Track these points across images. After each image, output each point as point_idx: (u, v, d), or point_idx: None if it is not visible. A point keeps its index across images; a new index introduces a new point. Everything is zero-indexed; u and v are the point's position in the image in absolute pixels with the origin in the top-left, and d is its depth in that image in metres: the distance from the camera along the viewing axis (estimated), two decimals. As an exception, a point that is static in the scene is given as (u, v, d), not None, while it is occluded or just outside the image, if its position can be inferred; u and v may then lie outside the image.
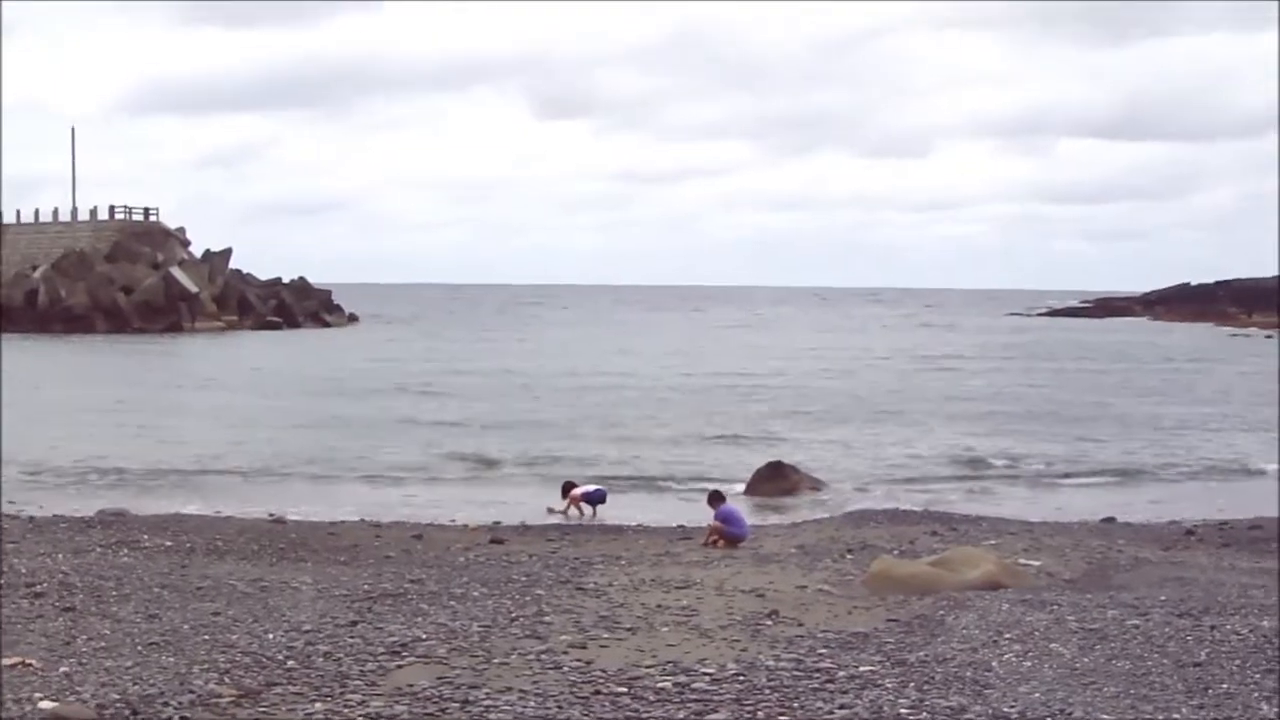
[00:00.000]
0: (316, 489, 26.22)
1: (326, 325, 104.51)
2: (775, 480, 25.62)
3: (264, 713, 8.45)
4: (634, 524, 21.41)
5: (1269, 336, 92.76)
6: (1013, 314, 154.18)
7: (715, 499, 19.28)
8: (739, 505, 20.70)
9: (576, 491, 23.15)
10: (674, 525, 21.22)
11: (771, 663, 9.98)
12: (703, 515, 20.41)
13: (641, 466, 29.05)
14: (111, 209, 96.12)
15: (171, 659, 9.96)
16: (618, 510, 23.28)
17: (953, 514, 22.18)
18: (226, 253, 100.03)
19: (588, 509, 22.72)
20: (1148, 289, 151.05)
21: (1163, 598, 12.80)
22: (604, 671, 9.63)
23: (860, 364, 65.04)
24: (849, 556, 16.64)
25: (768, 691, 9.05)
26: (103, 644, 10.47)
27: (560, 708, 8.58)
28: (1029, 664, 9.83)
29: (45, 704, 8.40)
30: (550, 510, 23.20)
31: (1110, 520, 22.14)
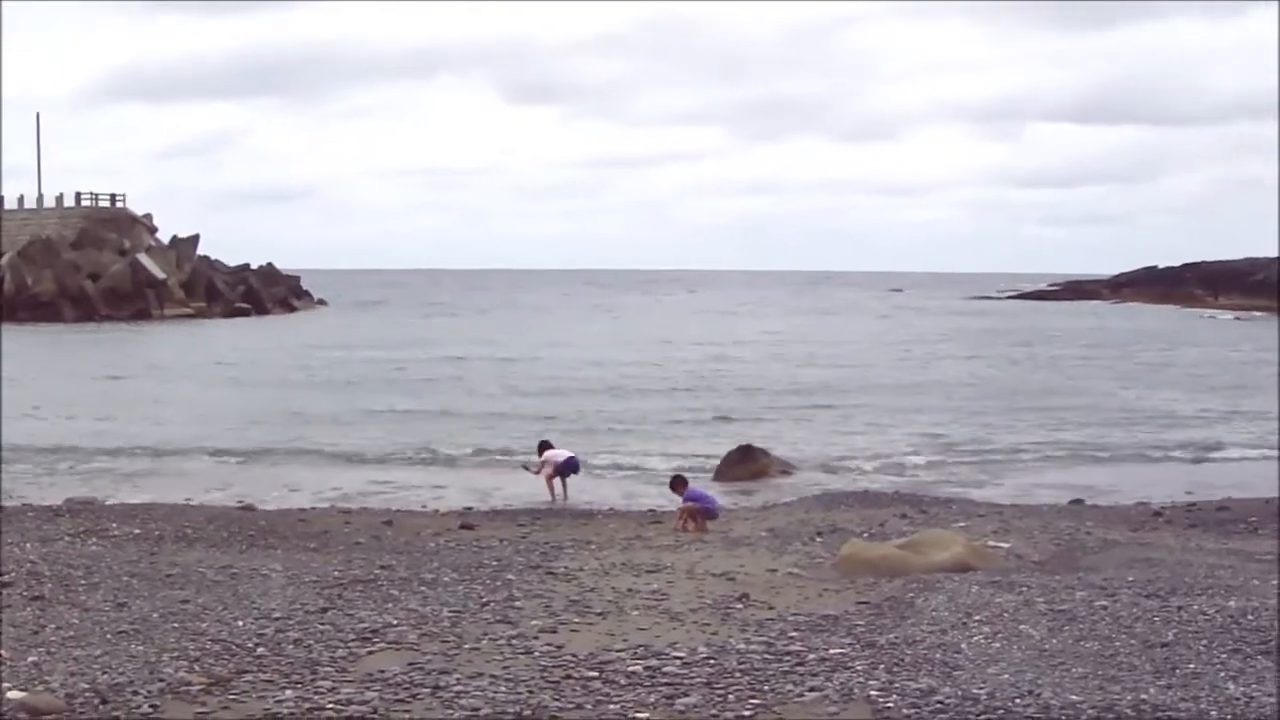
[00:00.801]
0: (286, 475, 26.11)
1: (295, 310, 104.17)
2: (745, 464, 25.66)
3: (234, 700, 8.42)
4: (605, 508, 21.40)
5: (1236, 318, 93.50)
6: (981, 297, 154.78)
7: (679, 484, 19.32)
8: (707, 489, 20.73)
9: (551, 454, 22.78)
10: (644, 510, 21.23)
11: (742, 646, 10.00)
12: (673, 499, 20.43)
13: (610, 451, 29.03)
14: (78, 195, 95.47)
15: (141, 647, 9.91)
16: (587, 495, 23.29)
17: (922, 496, 22.25)
18: (194, 239, 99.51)
19: (559, 489, 22.60)
20: (1117, 272, 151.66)
21: (1130, 579, 12.88)
22: (575, 656, 9.64)
23: (829, 348, 65.24)
24: (819, 539, 16.66)
25: (738, 674, 9.07)
26: (71, 633, 10.42)
27: (531, 692, 8.58)
28: (998, 645, 9.88)
29: (14, 694, 8.35)
30: (525, 467, 23.45)
31: (1078, 502, 22.26)
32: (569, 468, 22.86)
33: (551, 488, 22.55)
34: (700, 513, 18.39)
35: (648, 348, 63.96)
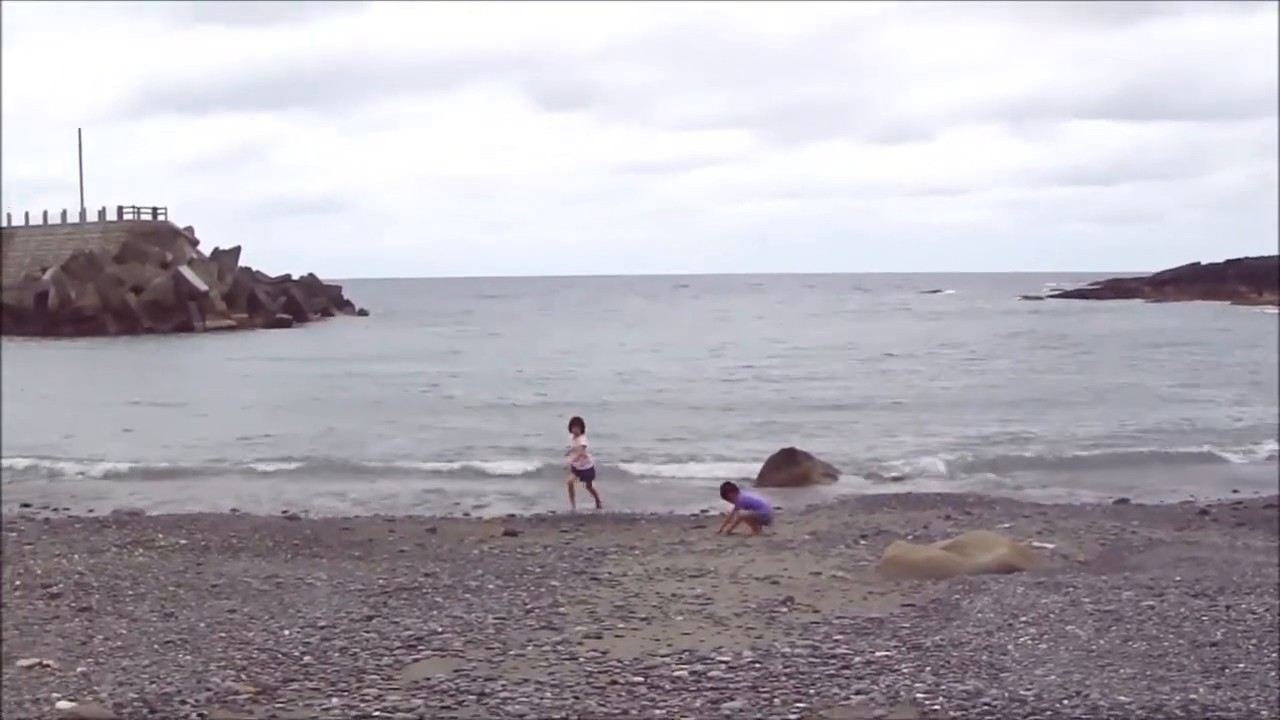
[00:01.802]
0: (330, 486, 26.22)
1: (334, 319, 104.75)
2: (788, 468, 25.58)
3: (281, 709, 8.47)
4: (647, 514, 21.41)
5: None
6: (1023, 297, 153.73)
7: (730, 491, 19.27)
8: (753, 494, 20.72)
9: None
10: (687, 515, 21.22)
11: (787, 649, 9.99)
12: (719, 503, 20.41)
13: (650, 458, 29.03)
14: (120, 209, 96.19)
15: (188, 657, 9.99)
16: (629, 501, 23.27)
17: (966, 498, 22.16)
18: (235, 250, 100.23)
19: (581, 491, 22.16)
20: (1157, 270, 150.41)
21: (1177, 578, 12.78)
22: (620, 661, 9.65)
23: (868, 352, 65.01)
24: (863, 542, 16.64)
25: (784, 678, 9.05)
26: (119, 643, 10.50)
27: (577, 698, 8.59)
28: (1045, 647, 9.82)
29: (63, 704, 8.43)
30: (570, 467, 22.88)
31: (1124, 501, 22.09)
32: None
33: (572, 492, 22.21)
34: (755, 519, 18.43)
35: (683, 355, 63.91)
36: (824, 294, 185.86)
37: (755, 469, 26.08)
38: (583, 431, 22.33)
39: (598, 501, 22.14)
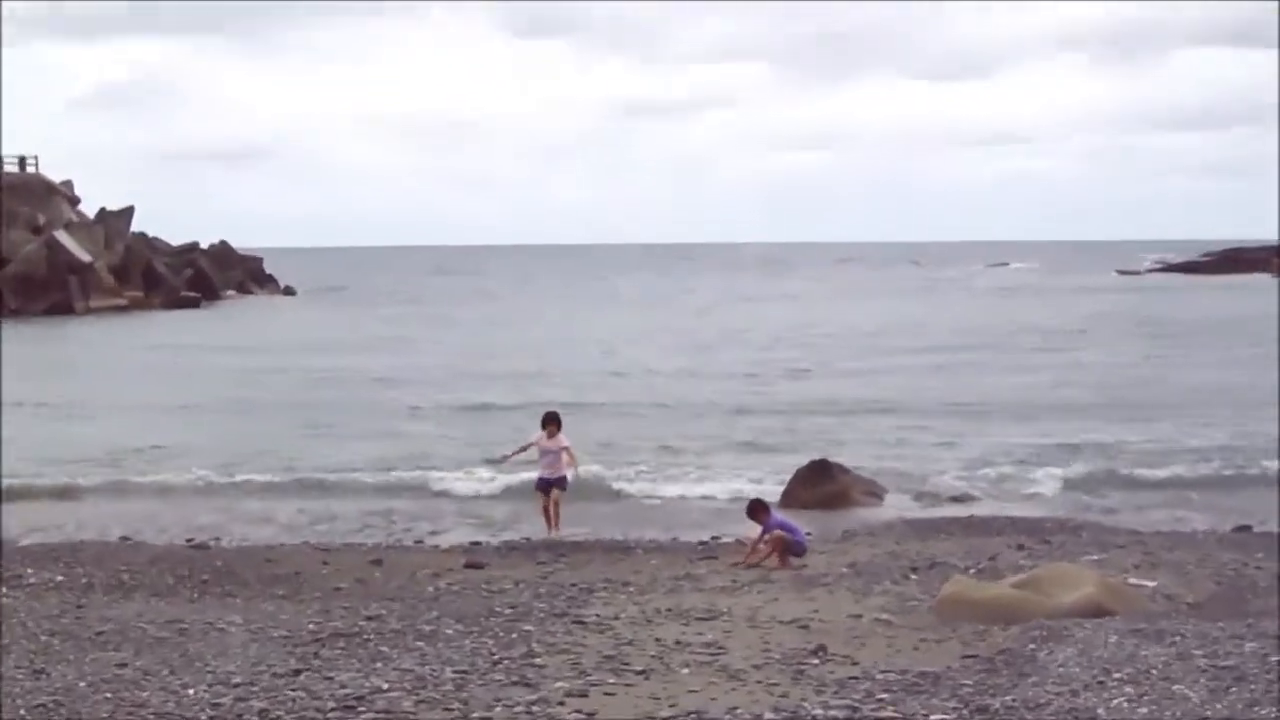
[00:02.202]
0: (249, 504, 26.21)
1: (254, 297, 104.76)
2: (820, 483, 25.58)
3: (185, 786, 8.44)
4: (645, 541, 21.37)
5: None
6: (1117, 272, 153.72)
7: (759, 510, 19.26)
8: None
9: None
10: (694, 542, 21.20)
11: (819, 711, 9.97)
12: (732, 527, 20.41)
13: (650, 474, 29.03)
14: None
15: (67, 723, 9.95)
16: (623, 525, 23.28)
17: (1043, 522, 22.14)
18: (127, 212, 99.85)
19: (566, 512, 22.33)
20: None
21: (1313, 625, 12.76)
22: (611, 726, 9.63)
23: (919, 340, 65.02)
24: (913, 577, 16.62)
25: (816, 748, 9.03)
26: (-25, 708, 10.45)
27: (557, 773, 8.57)
28: (1145, 710, 9.80)
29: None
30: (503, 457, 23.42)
31: (1245, 529, 22.07)
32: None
33: (547, 515, 22.13)
34: (788, 546, 18.44)
35: (690, 344, 63.91)
36: (862, 268, 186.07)
37: (778, 488, 26.10)
38: (559, 429, 22.20)
39: (556, 521, 22.03)
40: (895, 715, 9.85)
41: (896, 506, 25.29)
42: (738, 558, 18.73)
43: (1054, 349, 59.79)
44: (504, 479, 27.97)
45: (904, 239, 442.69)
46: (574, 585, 16.55)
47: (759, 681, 11.01)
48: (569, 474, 22.20)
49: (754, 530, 19.07)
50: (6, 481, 28.03)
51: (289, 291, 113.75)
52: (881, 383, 46.63)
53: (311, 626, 13.71)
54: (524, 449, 22.71)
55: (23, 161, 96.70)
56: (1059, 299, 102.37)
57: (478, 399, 42.66)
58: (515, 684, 10.99)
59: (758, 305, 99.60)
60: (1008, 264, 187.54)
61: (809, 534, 19.88)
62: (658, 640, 12.72)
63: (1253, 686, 10.45)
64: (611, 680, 11.08)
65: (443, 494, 27.43)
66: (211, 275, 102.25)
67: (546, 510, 22.11)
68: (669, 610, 14.45)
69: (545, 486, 22.13)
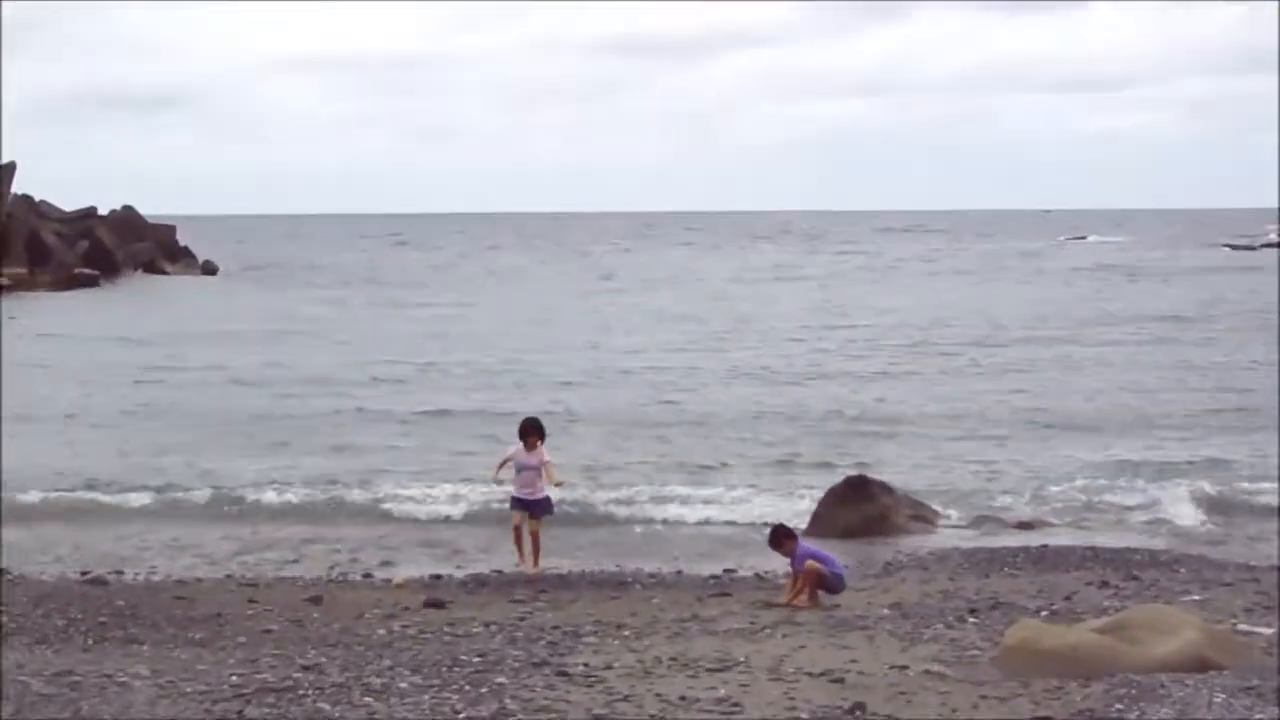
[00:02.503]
0: (159, 530, 26.14)
1: (166, 276, 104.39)
2: (857, 505, 25.53)
3: None
4: (644, 574, 21.43)
5: None
6: (1228, 246, 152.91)
7: (785, 537, 19.27)
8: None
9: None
10: (704, 575, 21.23)
11: (858, 784, 9.96)
12: (751, 558, 20.38)
13: (651, 490, 29.01)
14: None
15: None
16: (617, 554, 23.34)
17: (1132, 554, 22.14)
18: (8, 169, 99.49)
19: (527, 529, 21.94)
20: None
21: None
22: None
23: (981, 331, 64.89)
24: (971, 619, 16.66)
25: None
26: None
27: None
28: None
29: None
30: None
31: (1381, 566, 22.01)
32: (535, 506, 22.02)
33: (520, 543, 21.94)
34: (822, 580, 18.45)
35: (698, 337, 63.76)
36: (914, 242, 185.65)
37: (805, 508, 26.09)
38: (542, 441, 22.09)
39: (534, 556, 21.81)
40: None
41: (951, 533, 25.28)
42: (756, 595, 18.74)
43: (1149, 343, 59.35)
44: (470, 497, 27.95)
45: (965, 205, 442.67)
46: (556, 628, 16.56)
47: (783, 746, 11.02)
48: (547, 494, 22.07)
49: (778, 563, 19.06)
50: None
51: (209, 269, 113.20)
52: (934, 384, 46.58)
53: (234, 679, 13.70)
54: (503, 465, 22.32)
55: None
56: (1156, 281, 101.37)
57: (438, 403, 42.58)
58: (485, 749, 11.01)
59: (782, 287, 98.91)
60: (1085, 238, 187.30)
61: (846, 566, 19.90)
62: (659, 696, 12.72)
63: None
64: (603, 745, 11.10)
65: (395, 517, 27.37)
66: (113, 249, 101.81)
67: (519, 537, 21.90)
68: (673, 659, 14.45)
69: (523, 509, 21.94)
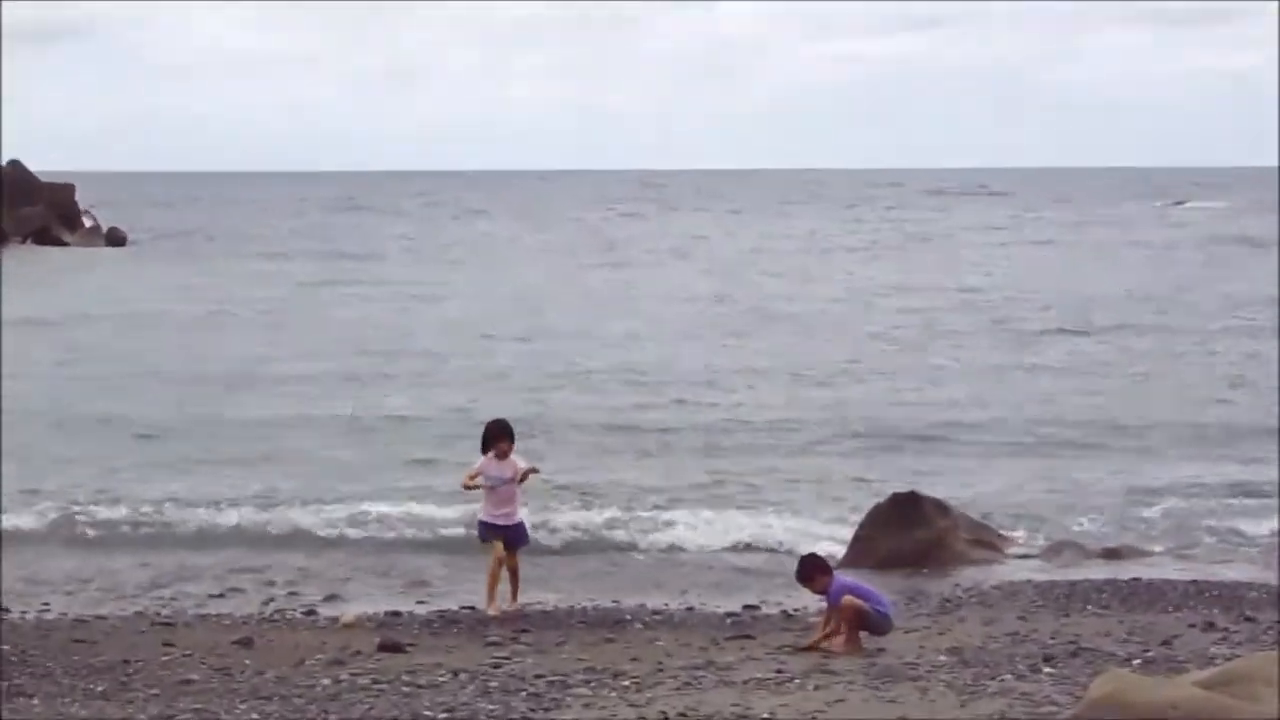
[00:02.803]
0: (53, 558, 26.20)
1: (65, 247, 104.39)
2: (908, 528, 25.54)
3: None
4: (648, 611, 21.51)
5: None
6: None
7: (816, 569, 19.23)
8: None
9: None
10: (721, 613, 21.30)
11: None
12: (777, 592, 20.40)
13: (655, 512, 29.05)
14: None
15: None
16: (611, 588, 23.46)
17: (1246, 588, 22.20)
18: None
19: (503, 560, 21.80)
20: None
21: None
22: None
23: (1066, 319, 64.69)
24: (1047, 669, 16.70)
25: None
26: None
27: None
28: None
29: None
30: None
31: None
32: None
33: (494, 583, 21.61)
34: (864, 619, 18.47)
35: (709, 325, 63.82)
36: (974, 206, 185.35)
37: (843, 533, 26.12)
38: (512, 447, 21.83)
39: (513, 593, 21.74)
40: None
41: (1021, 563, 25.34)
42: (783, 637, 18.77)
43: (1269, 336, 58.97)
44: (434, 517, 27.99)
45: (1036, 163, 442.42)
46: (540, 677, 16.58)
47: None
48: (521, 519, 22.02)
49: (810, 598, 19.07)
50: None
51: (116, 238, 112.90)
52: (1001, 382, 46.59)
53: (147, 739, 13.73)
54: (473, 479, 22.00)
55: None
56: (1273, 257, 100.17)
57: (394, 405, 42.64)
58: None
59: (814, 262, 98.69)
60: (1182, 202, 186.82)
61: (893, 602, 19.93)
62: (665, 760, 12.75)
63: None
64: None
65: (344, 540, 27.42)
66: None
67: (495, 574, 21.65)
68: (681, 715, 14.49)
69: (499, 536, 21.65)
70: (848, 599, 18.62)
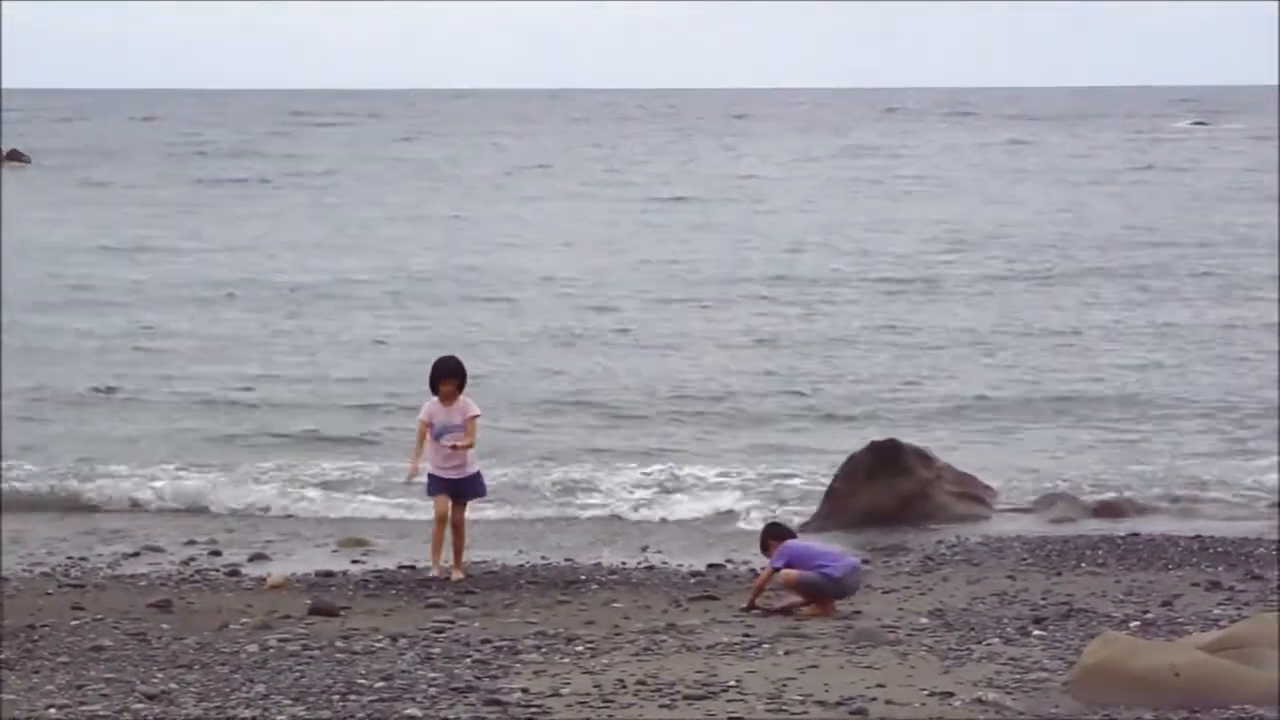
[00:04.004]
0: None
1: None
2: (888, 477, 25.47)
3: None
4: (605, 571, 21.56)
5: None
6: None
7: (770, 536, 19.28)
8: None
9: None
10: (685, 572, 21.39)
11: None
12: (748, 550, 20.45)
13: (618, 465, 29.06)
14: None
15: None
16: (568, 544, 23.55)
17: (1254, 544, 22.27)
18: None
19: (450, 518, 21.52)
20: None
21: None
22: None
23: (1083, 258, 64.32)
24: (1037, 632, 16.77)
25: None
26: None
27: None
28: None
29: None
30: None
31: None
32: (460, 487, 21.30)
33: (439, 542, 21.26)
34: (806, 589, 18.55)
35: (691, 270, 63.53)
36: (983, 125, 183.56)
37: (812, 489, 26.18)
38: (461, 389, 21.34)
39: (457, 556, 21.28)
40: None
41: (1010, 517, 25.40)
42: (750, 599, 18.82)
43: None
44: (369, 468, 27.99)
45: (1060, 82, 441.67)
46: (486, 642, 16.59)
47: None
48: (478, 468, 21.62)
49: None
50: None
51: (17, 158, 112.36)
52: (993, 330, 46.46)
53: (52, 713, 13.71)
54: (423, 441, 21.36)
55: None
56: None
57: (328, 375, 42.54)
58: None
59: (778, 191, 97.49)
60: (1204, 124, 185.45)
61: (865, 562, 19.95)
62: (622, 731, 12.76)
63: None
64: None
65: (268, 494, 27.34)
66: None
67: (438, 534, 21.31)
68: (641, 683, 14.51)
69: (446, 491, 21.30)
70: (784, 573, 18.58)
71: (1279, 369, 37.10)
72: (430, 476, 21.36)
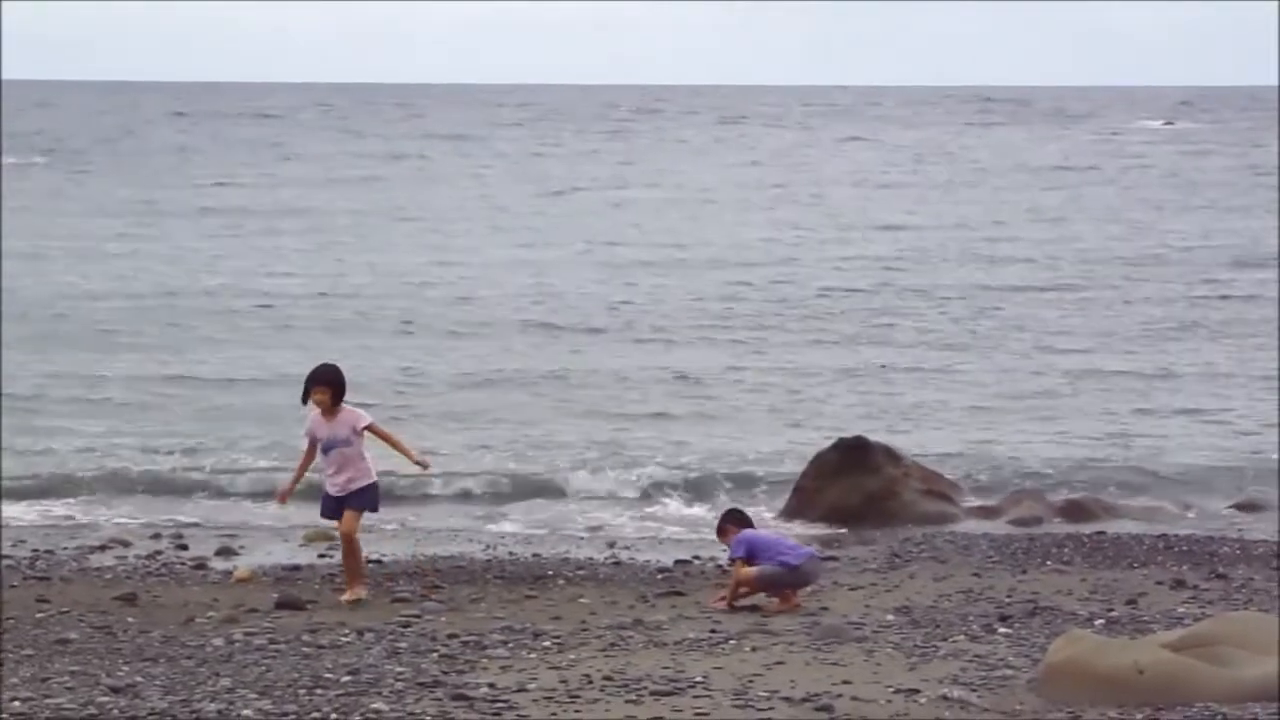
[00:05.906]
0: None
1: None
2: (854, 475, 25.51)
3: None
4: (572, 563, 21.62)
5: None
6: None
7: (728, 521, 19.30)
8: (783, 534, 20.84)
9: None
10: (653, 568, 21.45)
11: None
12: (716, 548, 20.44)
13: (585, 460, 29.05)
14: None
15: None
16: (535, 539, 23.59)
17: (1219, 543, 22.30)
18: None
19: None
20: None
21: None
22: None
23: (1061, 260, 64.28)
24: (1002, 630, 16.82)
25: None
26: None
27: None
28: None
29: None
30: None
31: None
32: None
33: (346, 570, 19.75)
34: (762, 584, 18.53)
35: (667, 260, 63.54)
36: (954, 112, 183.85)
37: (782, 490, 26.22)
38: (338, 399, 19.48)
39: (354, 576, 19.54)
40: None
41: (977, 515, 25.43)
42: (719, 594, 18.83)
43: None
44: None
45: (1040, 81, 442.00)
46: (454, 637, 16.63)
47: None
48: (372, 480, 19.60)
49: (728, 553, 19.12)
50: None
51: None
52: (965, 324, 46.47)
53: (16, 705, 13.69)
54: (307, 461, 19.92)
55: None
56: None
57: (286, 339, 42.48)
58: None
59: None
60: (1171, 123, 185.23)
61: (830, 558, 19.95)
62: (587, 728, 12.77)
63: None
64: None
65: (236, 488, 27.36)
66: None
67: (344, 555, 19.70)
68: (607, 679, 14.54)
69: (335, 511, 19.67)
70: (742, 572, 18.55)
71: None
72: (325, 496, 19.80)
